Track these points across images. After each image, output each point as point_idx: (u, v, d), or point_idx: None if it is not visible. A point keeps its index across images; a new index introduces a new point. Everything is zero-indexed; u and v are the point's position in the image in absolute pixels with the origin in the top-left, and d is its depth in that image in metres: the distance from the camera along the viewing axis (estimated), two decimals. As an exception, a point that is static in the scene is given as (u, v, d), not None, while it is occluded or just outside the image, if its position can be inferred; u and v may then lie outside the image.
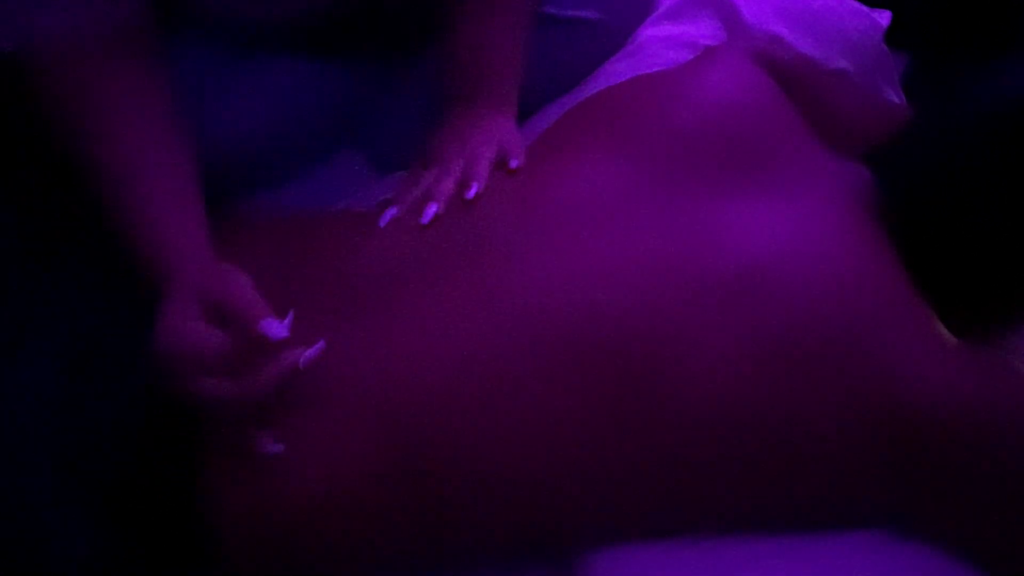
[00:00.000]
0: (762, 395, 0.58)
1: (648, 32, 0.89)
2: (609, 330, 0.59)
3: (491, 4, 0.77)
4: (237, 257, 0.64)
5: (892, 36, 0.89)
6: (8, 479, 0.59)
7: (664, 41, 0.87)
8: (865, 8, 0.88)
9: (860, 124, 0.78)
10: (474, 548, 0.63)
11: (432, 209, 0.67)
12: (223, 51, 0.73)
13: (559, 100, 0.84)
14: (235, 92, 0.76)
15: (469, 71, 0.79)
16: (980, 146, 0.61)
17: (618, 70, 0.86)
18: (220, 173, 0.72)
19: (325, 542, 0.60)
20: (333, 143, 0.82)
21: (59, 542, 0.59)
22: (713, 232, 0.62)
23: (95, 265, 0.66)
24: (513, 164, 0.70)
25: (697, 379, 0.58)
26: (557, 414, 0.59)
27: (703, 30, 0.87)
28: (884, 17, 0.89)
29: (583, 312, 0.60)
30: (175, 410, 0.60)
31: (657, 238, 0.62)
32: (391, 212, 0.69)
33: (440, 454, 0.59)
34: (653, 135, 0.67)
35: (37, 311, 0.63)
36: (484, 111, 0.77)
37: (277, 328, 0.58)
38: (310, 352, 0.59)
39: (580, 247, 0.63)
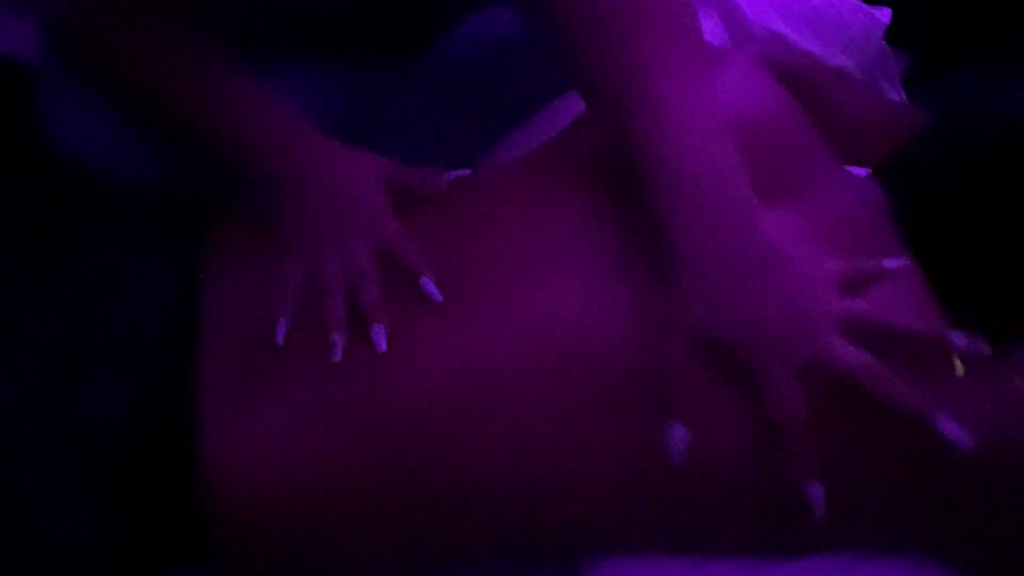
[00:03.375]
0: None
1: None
2: (617, 340, 0.59)
3: None
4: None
5: (892, 36, 0.89)
6: (6, 470, 0.59)
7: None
8: (866, 6, 0.88)
9: (860, 121, 0.78)
10: (473, 548, 0.63)
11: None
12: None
13: (560, 102, 0.84)
14: None
15: None
16: (994, 159, 0.61)
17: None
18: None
19: (322, 537, 0.60)
20: None
21: (58, 533, 0.59)
22: None
23: (95, 248, 0.66)
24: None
25: (705, 395, 0.57)
26: (562, 420, 0.59)
27: (704, 27, 0.87)
28: (885, 14, 0.89)
29: (590, 323, 0.60)
30: (175, 401, 0.61)
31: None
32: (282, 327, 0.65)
33: (442, 457, 0.59)
34: None
35: (33, 296, 0.63)
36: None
37: (435, 292, 0.63)
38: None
39: (588, 263, 0.62)
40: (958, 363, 0.58)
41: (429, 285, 0.63)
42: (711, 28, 0.87)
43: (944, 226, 0.62)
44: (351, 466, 0.59)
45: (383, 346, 0.61)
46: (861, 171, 0.70)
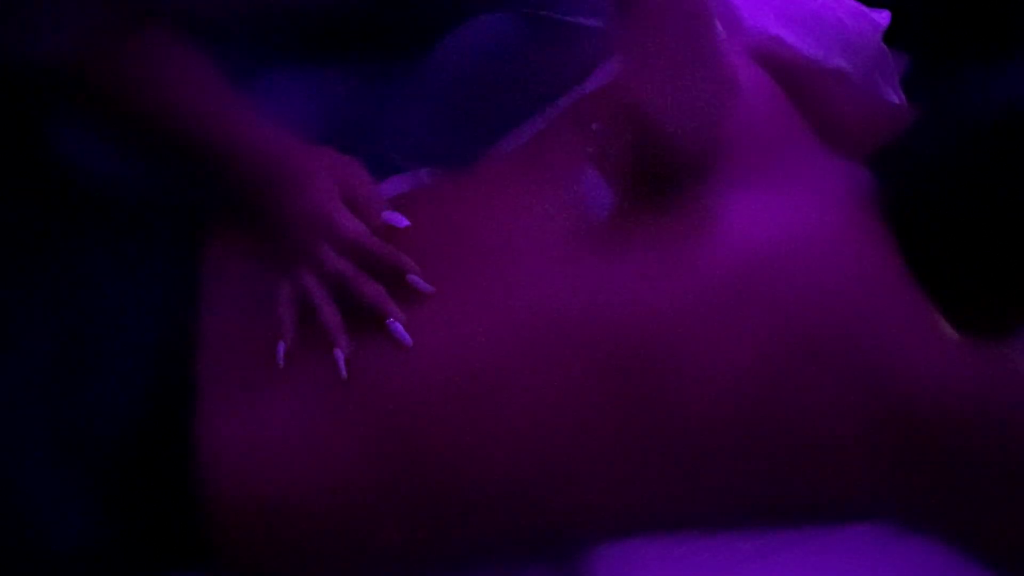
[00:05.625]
0: (766, 389, 0.58)
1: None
2: (614, 328, 0.59)
3: None
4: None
5: (892, 36, 0.89)
6: (7, 472, 0.59)
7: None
8: (864, 8, 0.88)
9: (859, 124, 0.78)
10: (475, 546, 0.63)
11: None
12: (225, 67, 0.74)
13: (558, 104, 0.84)
14: None
15: None
16: (982, 145, 0.61)
17: (616, 69, 0.85)
18: None
19: (322, 537, 0.61)
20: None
21: (58, 534, 0.59)
22: (715, 228, 0.63)
23: (95, 254, 0.66)
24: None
25: (702, 374, 0.58)
26: (562, 413, 0.59)
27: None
28: (883, 17, 0.88)
29: (588, 310, 0.60)
30: (175, 402, 0.61)
31: (659, 235, 0.62)
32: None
33: (442, 454, 0.60)
34: None
35: (33, 298, 0.63)
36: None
37: (400, 219, 0.64)
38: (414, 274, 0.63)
39: (585, 246, 0.63)
40: (946, 326, 0.59)
41: (419, 281, 0.63)
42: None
43: (929, 209, 0.62)
44: (349, 466, 0.60)
45: (407, 339, 0.61)
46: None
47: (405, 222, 0.65)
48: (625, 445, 0.59)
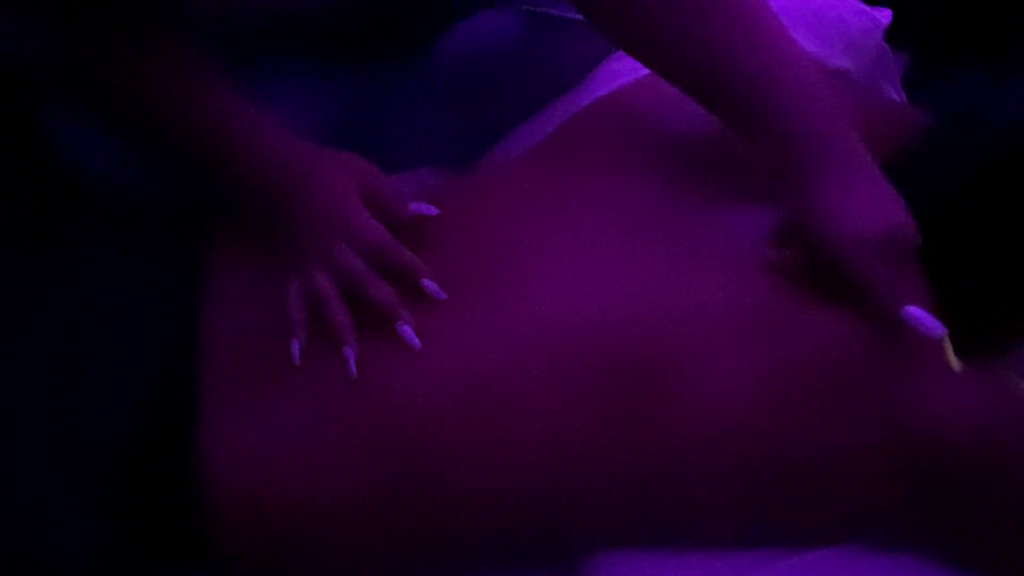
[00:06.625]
0: (773, 416, 0.58)
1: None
2: (621, 344, 0.59)
3: None
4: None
5: (892, 36, 0.88)
6: (7, 474, 0.59)
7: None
8: (866, 7, 0.88)
9: (861, 122, 0.78)
10: (476, 551, 0.63)
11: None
12: (225, 69, 0.74)
13: (559, 101, 0.83)
14: None
15: None
16: (996, 162, 0.60)
17: (617, 69, 0.85)
18: None
19: (324, 540, 0.61)
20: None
21: (58, 536, 0.59)
22: (728, 247, 0.62)
23: (95, 254, 0.66)
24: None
25: (709, 396, 0.58)
26: (567, 423, 0.59)
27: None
28: (885, 15, 0.88)
29: (593, 326, 0.60)
30: (175, 405, 0.61)
31: (671, 253, 0.62)
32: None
33: (446, 459, 0.60)
34: (662, 145, 0.67)
35: (34, 298, 0.63)
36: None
37: (429, 208, 0.65)
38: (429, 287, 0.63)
39: (592, 261, 0.62)
40: (953, 359, 0.58)
41: (431, 285, 0.62)
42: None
43: (945, 227, 0.62)
44: (352, 469, 0.60)
45: (416, 342, 0.61)
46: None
47: (435, 210, 0.65)
48: (628, 460, 0.59)
